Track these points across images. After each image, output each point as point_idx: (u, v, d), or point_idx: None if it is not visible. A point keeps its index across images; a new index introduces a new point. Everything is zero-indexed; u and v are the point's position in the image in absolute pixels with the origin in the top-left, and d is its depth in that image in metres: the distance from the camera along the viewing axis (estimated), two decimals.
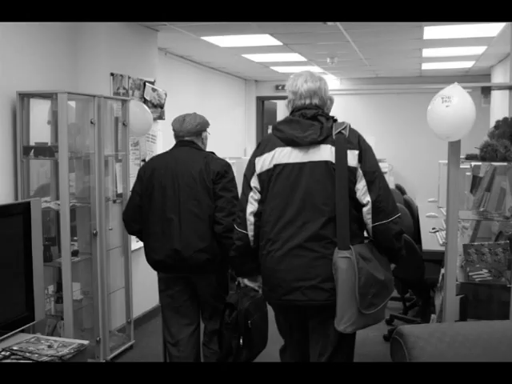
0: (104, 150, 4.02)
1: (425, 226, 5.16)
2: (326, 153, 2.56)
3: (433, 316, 3.81)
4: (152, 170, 3.35)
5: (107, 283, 4.11)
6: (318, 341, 2.70)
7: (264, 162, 2.68)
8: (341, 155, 2.54)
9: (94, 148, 3.91)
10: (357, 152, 2.56)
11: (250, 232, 2.71)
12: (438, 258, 4.02)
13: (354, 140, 2.58)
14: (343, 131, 2.58)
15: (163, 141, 6.15)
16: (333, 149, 2.55)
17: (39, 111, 3.96)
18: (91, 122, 3.89)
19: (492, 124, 3.63)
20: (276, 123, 2.78)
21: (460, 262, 3.43)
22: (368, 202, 2.55)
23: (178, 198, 3.23)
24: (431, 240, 4.61)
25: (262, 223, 2.68)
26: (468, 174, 4.02)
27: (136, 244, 4.70)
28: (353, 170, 2.54)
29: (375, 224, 2.58)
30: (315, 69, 8.23)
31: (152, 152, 5.06)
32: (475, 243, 3.37)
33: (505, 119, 3.39)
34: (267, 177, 2.66)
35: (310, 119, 2.63)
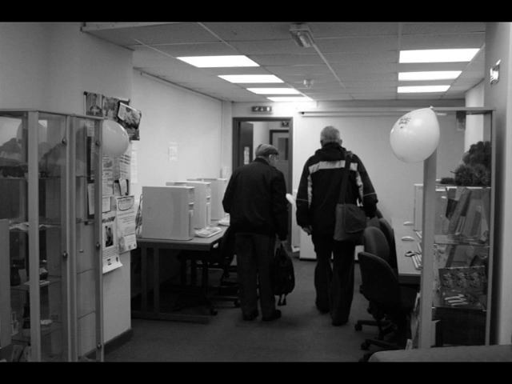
0: (76, 170, 3.94)
1: (400, 250, 5.14)
2: (341, 164, 5.79)
3: (409, 341, 3.77)
4: (238, 172, 5.97)
5: (77, 307, 3.99)
6: (331, 248, 5.93)
7: (313, 168, 5.87)
8: (347, 165, 5.77)
9: (66, 168, 3.83)
10: (356, 164, 5.80)
11: (309, 200, 5.89)
12: (413, 283, 3.99)
13: (355, 159, 5.84)
14: (349, 155, 5.83)
15: (137, 161, 6.09)
16: (344, 162, 5.78)
17: (9, 130, 3.87)
18: (63, 142, 3.80)
19: (466, 148, 3.64)
20: (319, 150, 5.99)
21: (436, 286, 3.40)
22: (361, 185, 5.75)
23: (251, 189, 5.77)
24: (407, 264, 4.59)
25: (314, 196, 5.87)
26: (443, 197, 4.01)
27: (107, 267, 4.61)
28: (354, 172, 5.77)
29: (365, 195, 5.74)
30: (291, 90, 8.25)
31: (125, 173, 4.96)
32: (451, 268, 3.35)
33: (479, 144, 3.40)
34: (316, 175, 5.86)
35: (335, 148, 5.88)
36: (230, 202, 5.90)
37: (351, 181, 5.73)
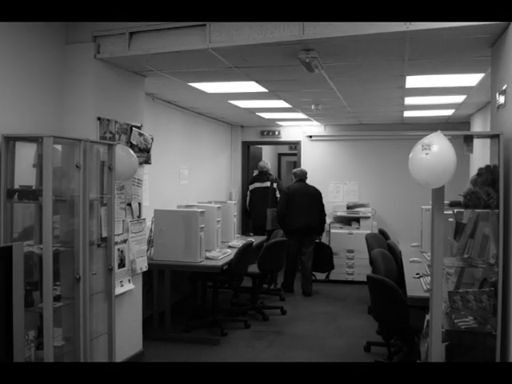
0: (89, 193, 4.01)
1: (408, 271, 5.16)
2: (268, 183, 9.23)
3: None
4: (290, 189, 8.15)
5: (90, 329, 4.04)
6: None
7: (251, 187, 9.63)
8: (272, 184, 9.22)
9: (79, 191, 3.91)
10: (276, 184, 9.25)
11: (247, 206, 9.64)
12: (422, 304, 4.01)
13: (275, 180, 9.38)
14: (273, 177, 9.41)
15: (149, 184, 6.16)
16: (269, 182, 9.26)
17: (25, 154, 3.95)
18: (77, 166, 3.88)
19: (471, 171, 3.68)
20: (254, 175, 9.75)
21: (445, 308, 3.42)
22: (278, 196, 8.92)
23: (309, 202, 8.03)
24: (415, 286, 4.61)
25: (251, 203, 9.57)
26: (450, 219, 4.05)
27: (120, 289, 4.66)
28: (274, 189, 9.18)
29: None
30: (300, 115, 8.34)
31: (138, 196, 5.04)
32: (460, 290, 3.37)
33: (487, 167, 3.44)
34: (253, 191, 9.54)
35: (264, 174, 9.40)
36: (286, 211, 8.03)
37: (274, 194, 9.05)
